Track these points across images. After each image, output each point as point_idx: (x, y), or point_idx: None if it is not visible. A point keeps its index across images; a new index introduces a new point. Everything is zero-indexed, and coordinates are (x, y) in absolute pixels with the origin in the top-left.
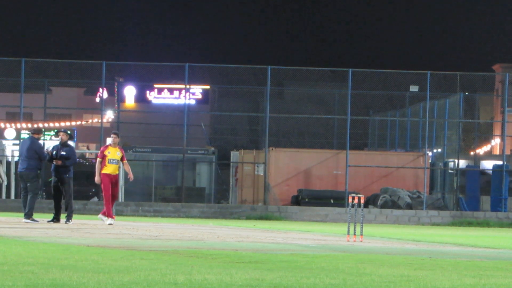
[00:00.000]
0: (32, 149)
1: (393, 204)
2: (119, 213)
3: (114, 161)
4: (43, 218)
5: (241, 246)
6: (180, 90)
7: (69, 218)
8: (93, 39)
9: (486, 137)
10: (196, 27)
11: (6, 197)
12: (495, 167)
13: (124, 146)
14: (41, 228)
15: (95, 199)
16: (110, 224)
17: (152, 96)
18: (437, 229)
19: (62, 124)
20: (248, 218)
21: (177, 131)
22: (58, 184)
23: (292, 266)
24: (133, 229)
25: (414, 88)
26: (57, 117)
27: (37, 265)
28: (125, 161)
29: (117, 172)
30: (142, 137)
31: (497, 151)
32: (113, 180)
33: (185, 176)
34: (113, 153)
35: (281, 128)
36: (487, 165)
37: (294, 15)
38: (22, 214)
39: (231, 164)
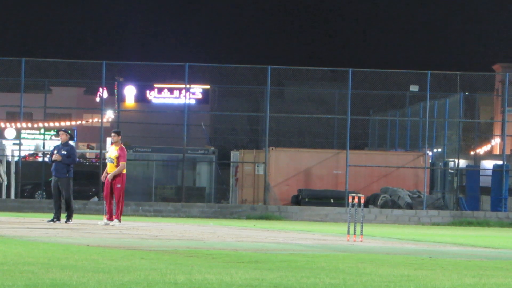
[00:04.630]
0: None
1: (393, 204)
2: None
3: (109, 160)
4: (43, 218)
5: (241, 246)
6: (180, 89)
7: (69, 218)
8: (93, 39)
9: (486, 137)
10: (196, 27)
11: (6, 196)
12: (495, 167)
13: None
14: (41, 228)
15: (95, 199)
16: (106, 224)
17: (152, 96)
18: (437, 229)
19: (62, 123)
20: (248, 218)
21: (177, 131)
22: (58, 183)
23: (292, 266)
24: (133, 229)
25: (414, 88)
26: (57, 116)
27: (37, 264)
28: (121, 163)
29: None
30: (142, 137)
31: (497, 151)
32: (110, 179)
33: (185, 176)
34: (111, 152)
35: (281, 128)
36: (487, 165)
37: (294, 15)
38: (23, 214)
39: (231, 164)
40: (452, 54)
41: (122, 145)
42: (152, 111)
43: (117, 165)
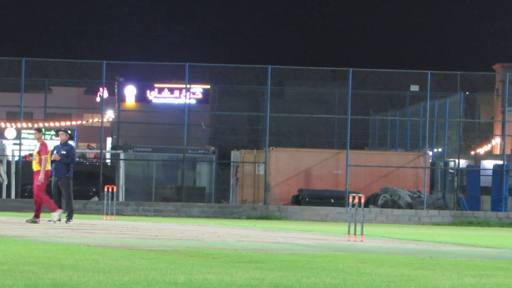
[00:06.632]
0: None
1: (393, 204)
2: (120, 213)
3: (33, 157)
4: (43, 218)
5: (241, 245)
6: (180, 89)
7: (69, 217)
8: (93, 39)
9: (486, 137)
10: (196, 27)
11: (6, 196)
12: (496, 166)
13: (124, 146)
14: (41, 227)
15: (95, 198)
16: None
17: (153, 96)
18: (438, 228)
19: (63, 123)
20: (249, 217)
21: (178, 130)
22: (58, 183)
23: (292, 265)
24: (133, 229)
25: (414, 88)
26: (58, 116)
27: (37, 264)
28: (42, 157)
29: (37, 169)
30: (142, 136)
31: (497, 151)
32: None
33: (185, 175)
34: (35, 149)
35: (282, 127)
36: (488, 164)
37: (294, 15)
38: (23, 214)
39: (231, 163)
40: (452, 54)
41: (43, 140)
42: (152, 111)
43: (39, 161)
